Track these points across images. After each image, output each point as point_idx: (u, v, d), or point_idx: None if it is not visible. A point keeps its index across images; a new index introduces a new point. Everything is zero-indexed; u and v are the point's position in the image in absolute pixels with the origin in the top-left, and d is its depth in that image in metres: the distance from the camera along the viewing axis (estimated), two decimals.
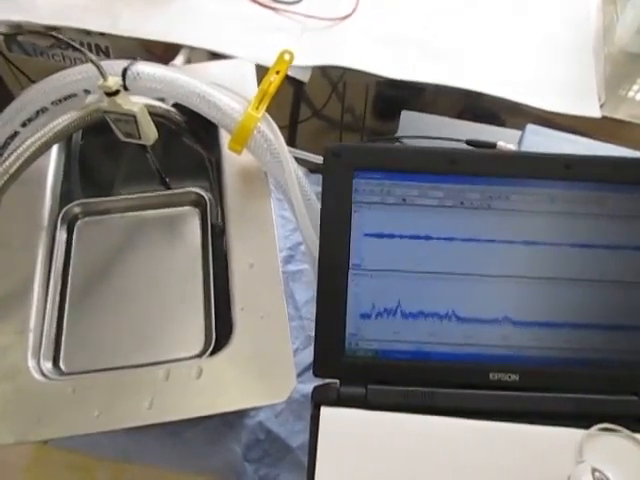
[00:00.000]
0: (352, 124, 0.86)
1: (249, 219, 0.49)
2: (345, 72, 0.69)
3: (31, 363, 0.43)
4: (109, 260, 0.52)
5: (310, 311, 0.60)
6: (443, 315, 0.44)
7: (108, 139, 0.56)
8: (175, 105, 0.54)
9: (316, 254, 0.45)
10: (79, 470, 0.54)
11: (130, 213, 0.54)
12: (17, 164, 0.43)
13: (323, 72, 0.78)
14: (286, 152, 0.48)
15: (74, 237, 0.53)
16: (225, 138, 0.53)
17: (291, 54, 0.51)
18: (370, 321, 0.44)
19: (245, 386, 0.42)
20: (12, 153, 0.43)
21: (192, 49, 0.67)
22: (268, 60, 0.53)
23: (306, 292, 0.61)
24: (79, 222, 0.54)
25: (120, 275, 0.50)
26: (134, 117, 0.45)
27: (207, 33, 0.68)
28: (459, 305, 0.44)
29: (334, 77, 0.81)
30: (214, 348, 0.45)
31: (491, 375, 0.43)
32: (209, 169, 0.57)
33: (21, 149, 0.43)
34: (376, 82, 0.75)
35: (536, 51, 0.72)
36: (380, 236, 0.44)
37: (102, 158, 0.59)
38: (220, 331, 0.46)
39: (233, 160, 0.52)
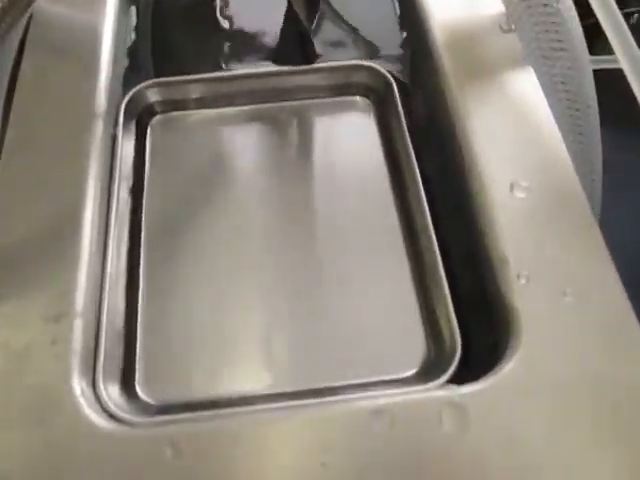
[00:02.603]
0: None
1: (502, 110, 0.25)
2: None
3: (79, 385, 0.20)
4: (214, 187, 0.28)
5: None
6: None
7: None
8: None
9: None
10: None
11: (246, 106, 0.30)
12: None
13: None
14: None
15: (147, 145, 0.29)
16: None
17: None
18: None
19: (574, 449, 0.18)
20: None
21: None
22: None
23: None
24: (155, 119, 0.30)
25: (235, 216, 0.27)
26: None
27: None
28: None
29: None
30: (463, 363, 0.21)
31: None
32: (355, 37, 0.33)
33: None
34: None
35: None
36: None
37: (187, 20, 0.34)
38: (465, 327, 0.22)
39: (441, 11, 0.28)
